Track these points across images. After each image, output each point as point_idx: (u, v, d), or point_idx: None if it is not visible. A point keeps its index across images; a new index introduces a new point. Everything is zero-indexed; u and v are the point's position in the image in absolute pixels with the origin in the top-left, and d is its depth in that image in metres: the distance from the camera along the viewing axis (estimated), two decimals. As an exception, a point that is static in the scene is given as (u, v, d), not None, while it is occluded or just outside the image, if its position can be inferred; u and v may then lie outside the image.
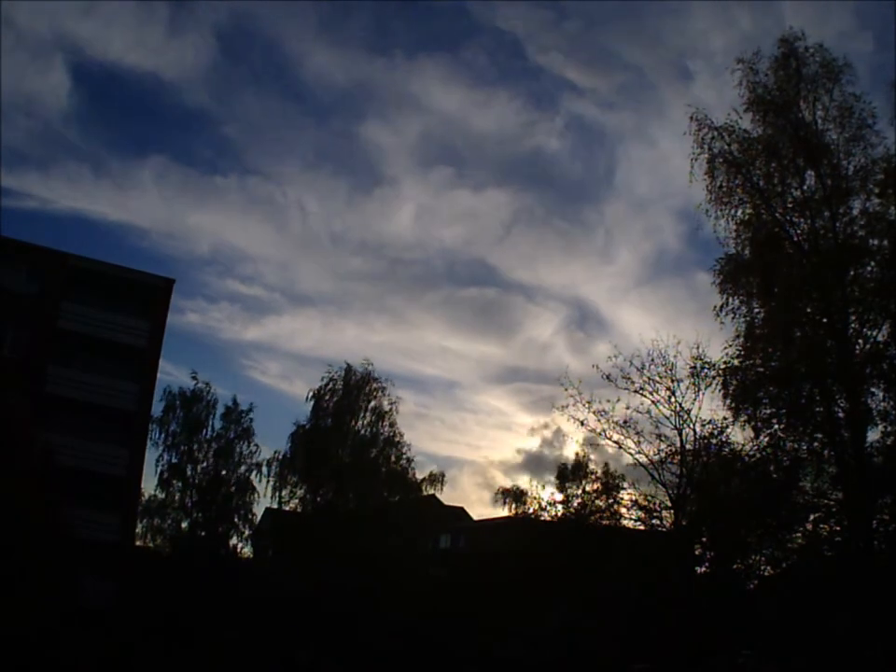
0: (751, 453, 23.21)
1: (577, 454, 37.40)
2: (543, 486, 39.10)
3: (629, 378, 26.99)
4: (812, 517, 22.12)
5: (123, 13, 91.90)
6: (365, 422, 39.27)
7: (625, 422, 27.47)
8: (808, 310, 22.05)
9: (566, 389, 27.80)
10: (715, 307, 22.63)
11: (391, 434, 39.13)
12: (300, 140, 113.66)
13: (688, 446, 26.97)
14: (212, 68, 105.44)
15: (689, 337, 26.58)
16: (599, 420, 27.46)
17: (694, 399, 26.47)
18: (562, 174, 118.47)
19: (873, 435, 21.42)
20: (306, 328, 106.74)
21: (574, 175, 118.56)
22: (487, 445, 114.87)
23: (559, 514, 34.81)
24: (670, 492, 27.37)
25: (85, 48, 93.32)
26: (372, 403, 39.32)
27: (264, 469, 38.22)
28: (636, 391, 27.01)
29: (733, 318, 22.61)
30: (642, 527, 29.20)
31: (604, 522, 31.62)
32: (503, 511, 39.45)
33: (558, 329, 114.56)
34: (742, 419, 22.97)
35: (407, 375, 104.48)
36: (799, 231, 22.31)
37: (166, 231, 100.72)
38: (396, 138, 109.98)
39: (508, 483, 49.72)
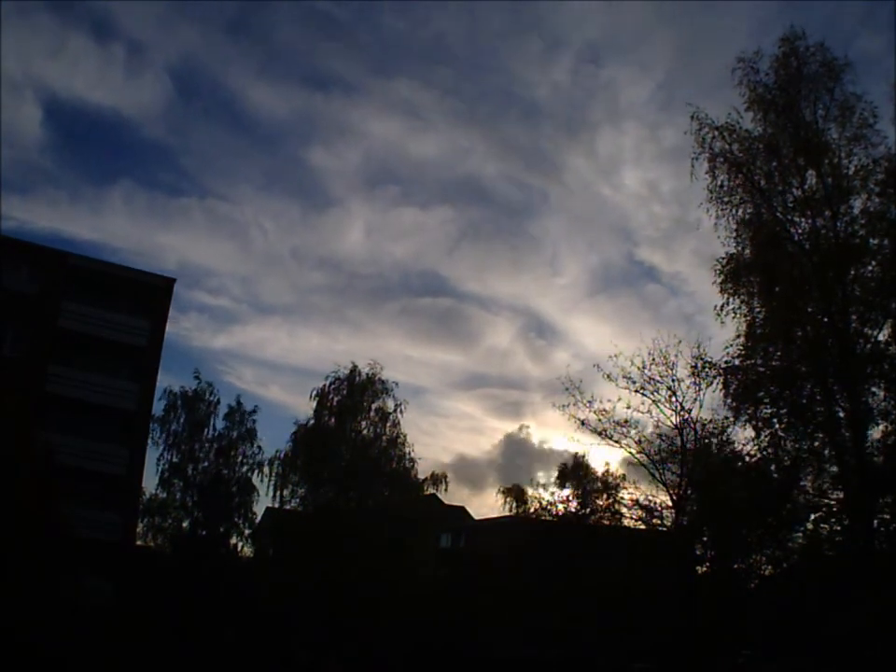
0: (752, 452, 23.22)
1: (576, 454, 37.52)
2: (545, 486, 39.26)
3: (630, 377, 27.07)
4: (812, 517, 22.07)
5: (85, 56, 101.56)
6: (368, 422, 39.27)
7: (626, 421, 27.56)
8: (809, 309, 21.96)
9: (566, 389, 27.99)
10: (716, 306, 22.57)
11: (394, 435, 39.12)
12: (251, 166, 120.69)
13: (688, 446, 27.03)
14: (166, 104, 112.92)
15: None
16: (600, 420, 27.55)
17: (695, 399, 26.55)
18: (502, 194, 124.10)
19: (873, 434, 21.39)
20: (274, 336, 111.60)
21: (513, 195, 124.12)
22: (463, 448, 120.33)
23: (560, 513, 34.85)
24: (671, 491, 27.42)
25: (54, 85, 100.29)
26: (376, 404, 39.30)
27: (265, 469, 38.20)
28: (636, 391, 27.08)
29: (733, 318, 22.58)
30: (643, 527, 29.22)
31: (605, 521, 31.66)
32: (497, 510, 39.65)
33: (515, 337, 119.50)
34: (743, 419, 22.95)
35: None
36: (800, 231, 22.23)
37: (136, 249, 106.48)
38: (340, 162, 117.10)
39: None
